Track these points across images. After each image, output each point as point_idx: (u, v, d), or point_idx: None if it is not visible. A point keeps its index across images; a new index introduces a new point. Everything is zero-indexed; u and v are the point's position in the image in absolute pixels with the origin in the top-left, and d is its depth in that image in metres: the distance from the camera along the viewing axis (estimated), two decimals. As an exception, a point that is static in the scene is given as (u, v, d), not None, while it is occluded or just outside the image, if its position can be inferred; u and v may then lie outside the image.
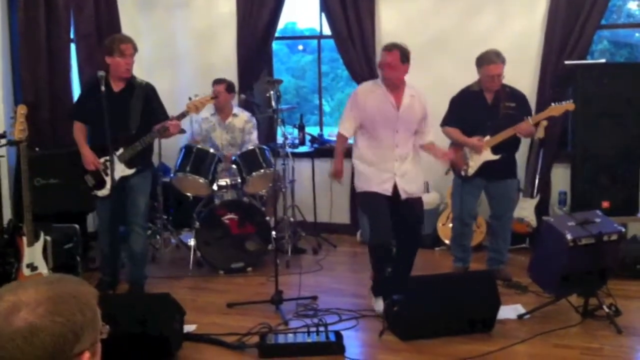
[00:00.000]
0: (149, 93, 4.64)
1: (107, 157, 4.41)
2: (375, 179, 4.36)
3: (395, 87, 4.33)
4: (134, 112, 4.52)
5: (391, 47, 4.26)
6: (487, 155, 4.85)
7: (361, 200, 4.59)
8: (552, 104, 4.87)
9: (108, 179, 4.51)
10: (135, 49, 4.52)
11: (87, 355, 1.20)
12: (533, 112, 5.09)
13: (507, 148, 4.85)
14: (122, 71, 4.50)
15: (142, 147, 4.52)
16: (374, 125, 4.34)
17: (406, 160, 4.37)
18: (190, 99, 4.64)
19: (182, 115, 4.59)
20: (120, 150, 4.50)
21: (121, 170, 4.51)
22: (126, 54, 4.46)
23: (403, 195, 4.34)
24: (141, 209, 4.66)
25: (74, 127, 4.68)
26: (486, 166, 4.86)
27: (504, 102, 4.82)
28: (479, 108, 4.85)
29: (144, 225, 4.78)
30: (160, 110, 4.69)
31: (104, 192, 4.57)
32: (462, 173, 4.93)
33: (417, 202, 4.48)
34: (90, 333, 1.21)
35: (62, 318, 1.15)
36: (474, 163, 4.88)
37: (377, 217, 4.32)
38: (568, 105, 4.83)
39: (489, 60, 4.71)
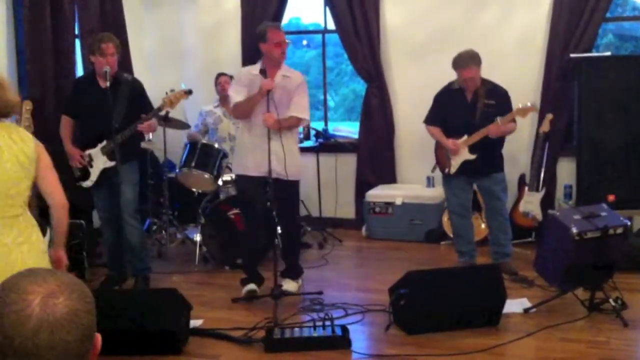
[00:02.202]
0: (135, 89, 4.66)
1: (90, 151, 4.57)
2: (252, 160, 4.46)
3: (277, 65, 4.45)
4: (119, 106, 4.53)
5: (281, 27, 4.47)
6: (465, 155, 4.86)
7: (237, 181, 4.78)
8: (519, 105, 4.83)
9: (92, 170, 4.61)
10: (117, 48, 4.52)
11: (99, 336, 1.24)
12: (538, 108, 5.08)
13: (485, 147, 4.81)
14: (104, 70, 4.51)
15: (122, 140, 4.51)
16: None
17: (278, 139, 4.35)
18: (166, 93, 4.68)
19: (158, 110, 4.64)
20: (103, 143, 4.55)
21: (103, 162, 4.57)
22: (107, 53, 4.44)
23: (273, 174, 4.36)
24: (129, 198, 4.64)
25: (62, 122, 4.72)
26: (468, 164, 4.87)
27: (482, 100, 4.81)
28: (458, 106, 4.87)
29: (135, 215, 4.71)
30: (147, 105, 4.70)
31: (87, 183, 4.65)
32: (445, 171, 4.97)
33: (288, 184, 4.50)
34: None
35: (89, 299, 1.21)
36: (454, 162, 4.91)
37: (250, 205, 4.59)
38: (531, 107, 4.80)
39: (462, 64, 4.73)
